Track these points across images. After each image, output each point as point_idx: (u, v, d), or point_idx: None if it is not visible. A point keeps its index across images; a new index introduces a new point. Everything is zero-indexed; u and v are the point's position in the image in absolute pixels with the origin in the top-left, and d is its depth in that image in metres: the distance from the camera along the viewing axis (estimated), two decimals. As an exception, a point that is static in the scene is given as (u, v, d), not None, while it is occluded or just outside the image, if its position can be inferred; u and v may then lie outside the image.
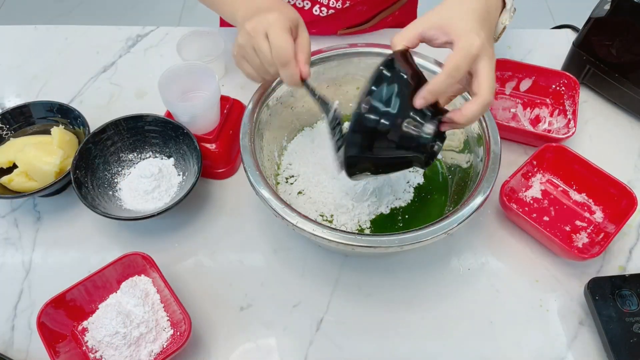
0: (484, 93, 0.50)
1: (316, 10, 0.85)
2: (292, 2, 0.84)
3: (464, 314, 0.62)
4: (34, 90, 0.83)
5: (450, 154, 0.70)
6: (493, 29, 0.57)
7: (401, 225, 0.66)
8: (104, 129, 0.69)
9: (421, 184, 0.69)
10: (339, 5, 0.84)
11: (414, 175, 0.70)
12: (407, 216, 0.66)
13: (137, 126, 0.70)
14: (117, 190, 0.69)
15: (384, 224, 0.66)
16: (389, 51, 0.68)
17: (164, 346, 0.57)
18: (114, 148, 0.70)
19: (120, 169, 0.71)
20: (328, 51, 0.69)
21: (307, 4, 0.84)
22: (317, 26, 0.88)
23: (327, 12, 0.85)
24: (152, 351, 0.56)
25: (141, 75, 0.85)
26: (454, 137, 0.69)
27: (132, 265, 0.60)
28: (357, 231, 0.65)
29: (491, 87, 0.51)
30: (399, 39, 0.54)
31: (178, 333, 0.58)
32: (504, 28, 0.63)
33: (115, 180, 0.70)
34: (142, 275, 0.61)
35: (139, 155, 0.72)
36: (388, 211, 0.67)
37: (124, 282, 0.60)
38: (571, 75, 0.76)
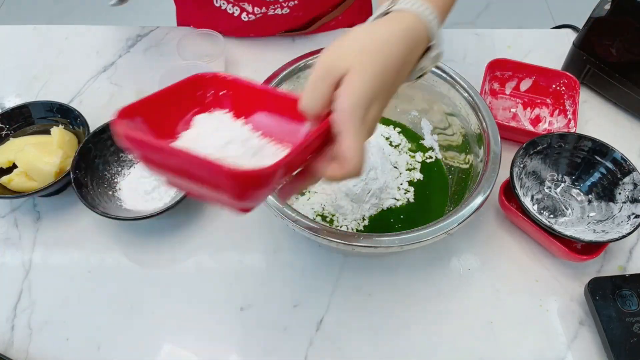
0: (347, 166, 0.39)
1: (244, 17, 0.84)
2: (224, 7, 0.83)
3: (464, 314, 0.62)
4: (34, 90, 0.83)
5: (450, 154, 0.70)
6: (402, 75, 0.43)
7: (401, 225, 0.66)
8: (103, 129, 0.68)
9: (421, 184, 0.69)
10: (263, 11, 0.82)
11: (414, 176, 0.70)
12: (406, 216, 0.66)
13: (137, 126, 0.70)
14: (117, 190, 0.69)
15: (383, 224, 0.66)
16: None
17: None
18: (114, 148, 0.70)
19: (120, 168, 0.71)
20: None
21: (235, 10, 0.83)
22: (252, 30, 0.87)
23: (255, 17, 0.83)
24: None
25: (141, 75, 0.85)
26: (453, 138, 0.69)
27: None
28: (356, 231, 0.65)
29: (354, 160, 0.39)
30: (310, 107, 0.41)
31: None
32: (424, 73, 0.48)
33: (115, 180, 0.70)
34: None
35: (139, 155, 0.72)
36: (388, 212, 0.67)
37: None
38: (571, 75, 0.76)
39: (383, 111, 0.42)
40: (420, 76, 0.48)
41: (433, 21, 0.44)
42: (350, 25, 0.94)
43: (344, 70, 0.40)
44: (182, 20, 0.98)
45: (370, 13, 1.01)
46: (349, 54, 0.41)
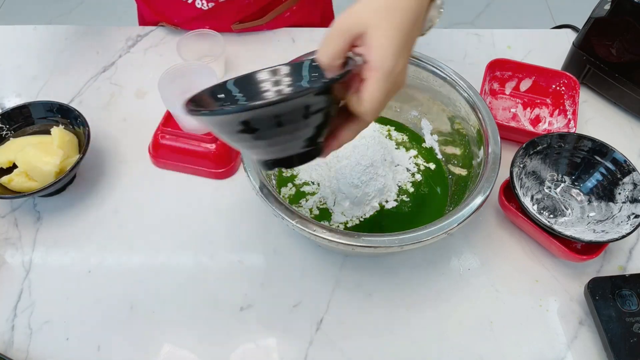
0: (363, 113, 0.43)
1: (198, 4, 0.83)
2: None
3: (464, 314, 0.62)
4: (34, 90, 0.83)
5: (450, 154, 0.70)
6: (417, 27, 0.46)
7: (400, 225, 0.66)
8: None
9: (421, 183, 0.69)
10: None
11: (414, 176, 0.70)
12: (406, 216, 0.66)
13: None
14: (117, 190, 0.69)
15: (383, 224, 0.66)
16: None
17: None
18: (114, 148, 0.70)
19: (120, 169, 0.71)
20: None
21: None
22: (207, 21, 0.86)
23: (208, 5, 0.83)
24: None
25: (141, 75, 0.85)
26: (453, 138, 0.69)
27: None
28: (356, 231, 0.65)
29: (371, 106, 0.42)
30: (325, 56, 0.44)
31: None
32: (431, 26, 0.50)
33: (115, 180, 0.70)
34: None
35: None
36: (387, 212, 0.67)
37: None
38: (571, 75, 0.76)
39: (407, 67, 0.44)
40: (429, 28, 0.50)
41: None
42: (307, 18, 0.93)
43: (363, 28, 0.42)
44: (142, 17, 0.98)
45: (325, 3, 0.99)
46: (365, 14, 0.42)
